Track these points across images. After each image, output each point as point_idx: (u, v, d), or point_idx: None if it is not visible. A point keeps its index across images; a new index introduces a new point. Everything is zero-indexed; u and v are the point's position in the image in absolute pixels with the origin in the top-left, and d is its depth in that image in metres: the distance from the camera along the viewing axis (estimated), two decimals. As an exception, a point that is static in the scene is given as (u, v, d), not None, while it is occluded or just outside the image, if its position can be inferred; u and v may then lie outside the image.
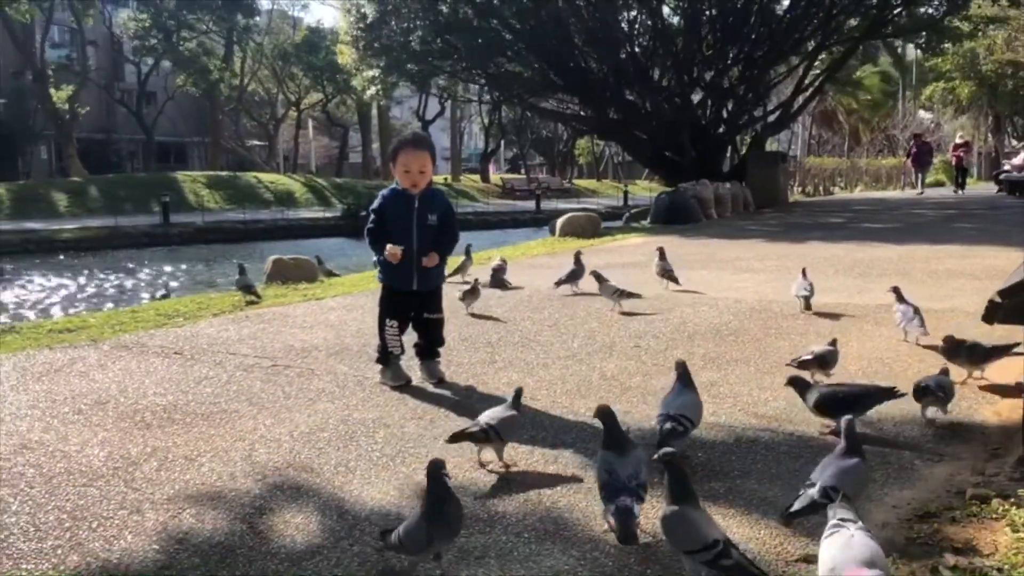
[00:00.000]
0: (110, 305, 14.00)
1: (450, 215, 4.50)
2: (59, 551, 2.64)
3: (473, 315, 6.26)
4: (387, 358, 4.43)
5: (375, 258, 4.54)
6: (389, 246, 4.25)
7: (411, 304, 4.48)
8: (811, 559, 2.47)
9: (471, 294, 6.40)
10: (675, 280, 7.38)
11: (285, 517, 2.86)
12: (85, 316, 7.31)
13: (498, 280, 7.69)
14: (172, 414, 3.96)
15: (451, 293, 6.88)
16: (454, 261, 9.02)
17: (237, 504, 2.96)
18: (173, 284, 17.84)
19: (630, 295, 6.44)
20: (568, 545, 2.62)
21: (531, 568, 2.48)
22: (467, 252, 8.13)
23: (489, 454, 3.27)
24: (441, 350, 4.62)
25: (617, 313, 6.27)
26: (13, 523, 2.82)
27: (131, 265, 22.14)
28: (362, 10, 22.08)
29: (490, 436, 3.17)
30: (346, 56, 25.14)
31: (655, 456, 2.44)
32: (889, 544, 2.56)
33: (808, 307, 6.16)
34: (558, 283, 7.20)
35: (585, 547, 2.60)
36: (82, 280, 19.29)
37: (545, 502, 2.93)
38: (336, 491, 3.06)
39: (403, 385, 4.36)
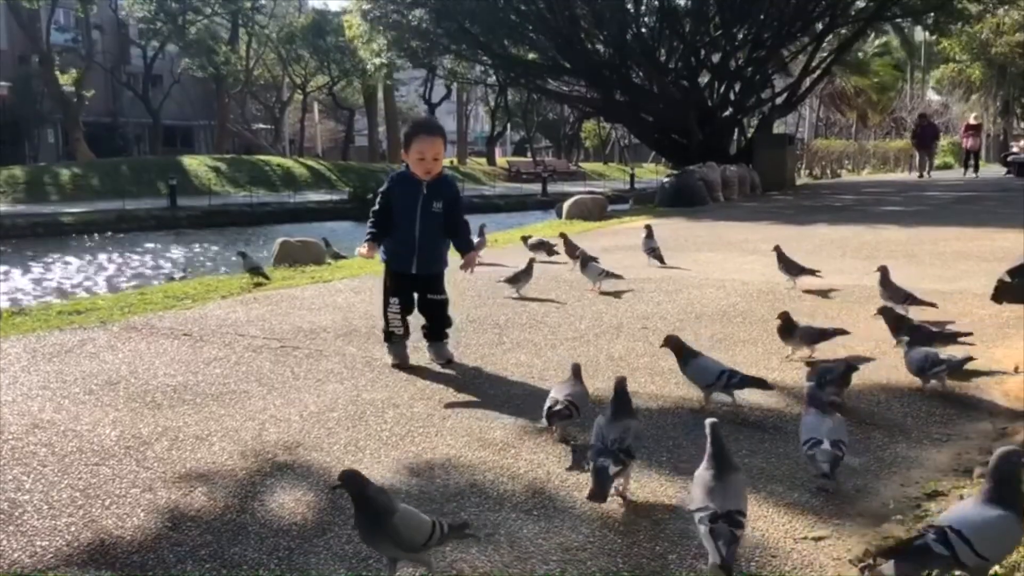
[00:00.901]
0: (99, 287, 14.05)
1: (457, 203, 4.44)
2: (72, 528, 2.66)
3: (485, 298, 6.26)
4: (391, 336, 4.46)
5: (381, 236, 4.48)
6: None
7: (411, 285, 4.47)
8: (820, 538, 2.49)
9: (525, 275, 6.17)
10: (661, 260, 7.50)
11: (296, 495, 2.88)
12: (94, 298, 7.34)
13: (549, 250, 7.85)
14: (182, 394, 3.98)
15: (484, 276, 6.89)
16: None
17: (248, 483, 2.99)
18: (183, 266, 17.90)
19: (614, 276, 6.48)
20: (578, 523, 2.63)
21: (540, 545, 2.50)
22: (481, 232, 8.12)
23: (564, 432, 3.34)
24: (449, 331, 4.61)
25: (597, 293, 6.33)
26: (27, 501, 2.85)
27: (149, 247, 22.19)
28: None
29: (572, 413, 3.23)
30: (354, 28, 24.86)
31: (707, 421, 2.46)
32: (898, 522, 2.58)
33: (809, 272, 6.23)
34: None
35: (594, 525, 2.62)
36: (91, 263, 19.34)
37: (554, 480, 2.95)
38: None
39: (400, 365, 4.37)
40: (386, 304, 4.44)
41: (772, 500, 2.76)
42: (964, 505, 2.17)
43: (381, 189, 4.45)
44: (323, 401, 3.85)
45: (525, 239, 8.24)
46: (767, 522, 2.61)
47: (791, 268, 6.27)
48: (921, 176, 26.73)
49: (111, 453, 3.26)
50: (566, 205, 14.33)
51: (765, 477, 2.94)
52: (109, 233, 25.19)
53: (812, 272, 6.26)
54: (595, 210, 13.91)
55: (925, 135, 27.12)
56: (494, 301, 6.14)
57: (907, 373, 3.90)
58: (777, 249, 6.37)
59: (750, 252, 8.65)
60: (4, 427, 3.56)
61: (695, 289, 6.45)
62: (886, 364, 4.24)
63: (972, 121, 28.39)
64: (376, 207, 4.40)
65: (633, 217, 14.02)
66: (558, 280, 6.99)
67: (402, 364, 4.38)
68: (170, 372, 4.36)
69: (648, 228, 7.74)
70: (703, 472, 2.34)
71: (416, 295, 4.49)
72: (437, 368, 4.40)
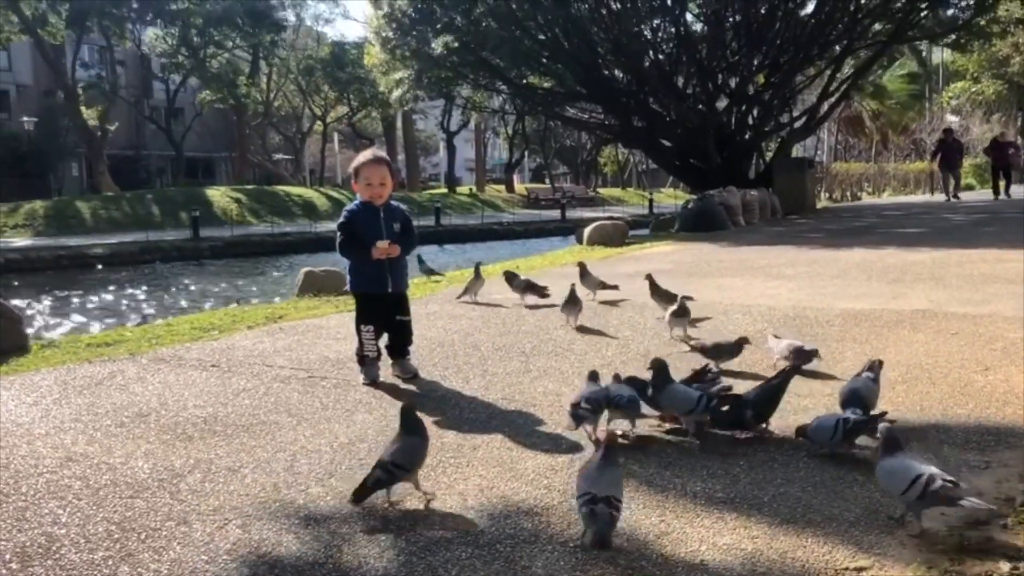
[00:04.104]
0: (125, 318, 14.14)
1: (409, 223, 4.91)
2: (110, 562, 2.67)
3: (510, 326, 6.25)
4: (364, 360, 4.79)
5: (348, 273, 4.92)
6: (379, 242, 4.61)
7: (385, 308, 4.81)
8: (862, 569, 2.46)
9: (681, 314, 5.63)
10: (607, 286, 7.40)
11: (330, 527, 2.88)
12: (122, 330, 7.40)
13: (540, 293, 7.28)
14: (213, 426, 4.00)
15: (507, 308, 6.87)
16: (462, 278, 8.89)
17: (282, 514, 2.98)
18: (207, 297, 18.02)
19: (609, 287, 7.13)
20: (615, 555, 2.60)
21: (579, 554, 2.48)
22: (476, 270, 7.61)
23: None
24: (411, 349, 4.97)
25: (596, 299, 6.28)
26: (63, 535, 2.86)
27: (173, 280, 22.37)
28: (395, 3, 21.85)
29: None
30: (373, 56, 25.14)
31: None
32: (941, 551, 2.54)
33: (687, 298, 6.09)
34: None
35: (631, 556, 2.59)
36: (117, 295, 19.49)
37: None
38: (379, 501, 3.07)
39: (372, 383, 4.68)
40: (360, 330, 4.79)
41: (811, 530, 2.72)
42: None
43: (340, 223, 4.81)
44: (353, 431, 3.85)
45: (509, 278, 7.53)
46: (807, 552, 2.58)
47: (663, 296, 6.17)
48: (949, 199, 24.30)
49: (145, 486, 3.27)
50: (587, 231, 14.33)
51: (803, 507, 2.90)
52: (134, 264, 25.41)
53: (688, 298, 6.10)
54: (616, 236, 13.90)
55: (951, 153, 24.72)
56: (519, 329, 6.14)
57: (940, 398, 3.88)
58: (649, 278, 6.33)
59: (775, 277, 8.61)
60: (39, 460, 3.59)
61: (721, 315, 6.42)
62: (918, 390, 4.19)
63: (1000, 137, 26.34)
64: (342, 238, 4.75)
65: (654, 243, 14.00)
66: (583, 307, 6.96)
67: (374, 382, 4.70)
68: (200, 403, 4.38)
69: (581, 266, 7.43)
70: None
71: (384, 317, 4.85)
72: (466, 399, 4.40)
